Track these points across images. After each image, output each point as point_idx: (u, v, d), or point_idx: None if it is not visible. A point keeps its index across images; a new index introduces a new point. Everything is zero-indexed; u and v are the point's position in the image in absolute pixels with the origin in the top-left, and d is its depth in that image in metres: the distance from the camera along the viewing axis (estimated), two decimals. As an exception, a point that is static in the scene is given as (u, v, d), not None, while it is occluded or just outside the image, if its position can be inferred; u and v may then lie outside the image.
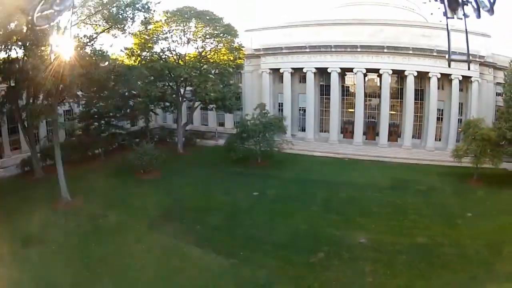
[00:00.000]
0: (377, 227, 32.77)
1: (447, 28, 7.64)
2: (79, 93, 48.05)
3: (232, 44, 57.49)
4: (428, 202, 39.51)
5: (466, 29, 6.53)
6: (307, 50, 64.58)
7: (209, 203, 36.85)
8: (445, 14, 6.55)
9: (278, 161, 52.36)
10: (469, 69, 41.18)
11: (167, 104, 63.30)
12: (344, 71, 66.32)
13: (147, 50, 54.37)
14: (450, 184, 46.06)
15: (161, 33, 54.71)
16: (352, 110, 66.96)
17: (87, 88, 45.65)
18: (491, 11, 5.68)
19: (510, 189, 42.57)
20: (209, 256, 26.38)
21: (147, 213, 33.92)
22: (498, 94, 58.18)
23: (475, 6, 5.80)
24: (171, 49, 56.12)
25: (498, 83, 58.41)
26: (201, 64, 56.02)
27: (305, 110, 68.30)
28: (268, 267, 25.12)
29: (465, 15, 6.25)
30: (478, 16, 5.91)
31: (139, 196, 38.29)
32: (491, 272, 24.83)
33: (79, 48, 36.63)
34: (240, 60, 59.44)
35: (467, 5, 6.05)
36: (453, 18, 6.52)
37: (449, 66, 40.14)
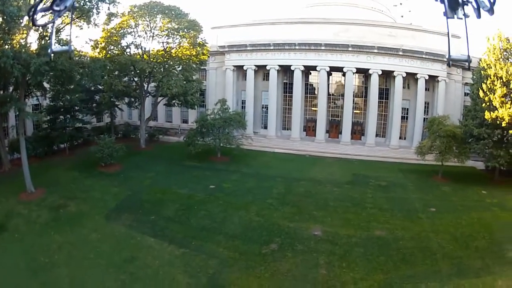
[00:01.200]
0: (333, 220, 32.86)
1: (447, 29, 7.54)
2: (46, 85, 48.10)
3: (196, 39, 57.75)
4: (388, 197, 39.70)
5: (466, 30, 6.48)
6: (271, 47, 65.04)
7: (165, 196, 37.29)
8: (445, 14, 6.35)
9: (238, 156, 53.05)
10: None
11: (131, 99, 63.47)
12: (308, 70, 67.25)
13: (113, 44, 54.18)
14: (414, 180, 46.53)
15: (128, 27, 54.63)
16: (316, 108, 67.56)
17: (54, 81, 45.74)
18: (491, 11, 5.62)
19: (477, 186, 43.50)
20: (161, 246, 26.99)
21: (105, 204, 34.49)
22: (466, 94, 58.80)
23: (475, 6, 5.72)
24: (137, 43, 56.15)
25: (466, 84, 59.59)
26: (165, 59, 56.28)
27: (268, 107, 68.60)
28: (219, 257, 25.68)
29: (465, 15, 6.11)
30: (478, 16, 5.80)
31: (99, 188, 38.74)
32: (458, 267, 25.09)
33: (46, 38, 37.10)
34: (203, 56, 59.73)
35: (467, 5, 5.95)
36: (453, 18, 6.33)
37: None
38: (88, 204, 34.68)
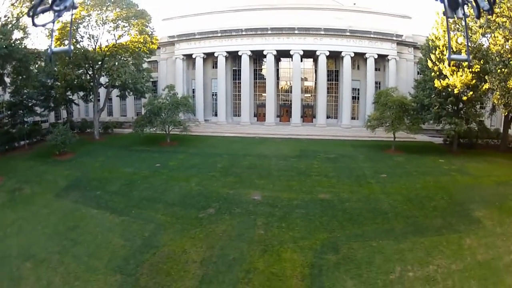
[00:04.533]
0: (276, 186, 33.56)
1: (447, 28, 8.00)
2: (7, 79, 49.56)
3: (145, 27, 58.87)
4: (336, 166, 40.31)
5: (466, 28, 6.03)
6: (219, 34, 67.18)
7: (112, 174, 38.86)
8: (445, 13, 6.14)
9: (187, 140, 54.57)
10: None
11: (86, 92, 64.72)
12: (257, 56, 69.22)
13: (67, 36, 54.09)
14: (365, 153, 47.31)
15: (81, 19, 55.10)
16: (266, 94, 69.36)
17: (13, 72, 47.71)
18: (491, 10, 5.59)
19: (434, 156, 44.78)
20: (103, 215, 28.55)
21: (57, 185, 36.05)
22: (419, 73, 59.13)
23: (475, 6, 5.62)
24: (90, 34, 56.83)
25: (418, 62, 59.38)
26: (116, 49, 57.49)
27: (217, 94, 70.28)
28: (156, 222, 26.90)
29: (465, 15, 5.97)
30: (478, 15, 5.73)
31: (52, 172, 40.29)
32: (414, 225, 25.25)
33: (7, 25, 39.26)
34: (153, 46, 60.78)
35: (467, 4, 5.86)
36: (453, 17, 6.17)
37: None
38: (41, 186, 36.26)
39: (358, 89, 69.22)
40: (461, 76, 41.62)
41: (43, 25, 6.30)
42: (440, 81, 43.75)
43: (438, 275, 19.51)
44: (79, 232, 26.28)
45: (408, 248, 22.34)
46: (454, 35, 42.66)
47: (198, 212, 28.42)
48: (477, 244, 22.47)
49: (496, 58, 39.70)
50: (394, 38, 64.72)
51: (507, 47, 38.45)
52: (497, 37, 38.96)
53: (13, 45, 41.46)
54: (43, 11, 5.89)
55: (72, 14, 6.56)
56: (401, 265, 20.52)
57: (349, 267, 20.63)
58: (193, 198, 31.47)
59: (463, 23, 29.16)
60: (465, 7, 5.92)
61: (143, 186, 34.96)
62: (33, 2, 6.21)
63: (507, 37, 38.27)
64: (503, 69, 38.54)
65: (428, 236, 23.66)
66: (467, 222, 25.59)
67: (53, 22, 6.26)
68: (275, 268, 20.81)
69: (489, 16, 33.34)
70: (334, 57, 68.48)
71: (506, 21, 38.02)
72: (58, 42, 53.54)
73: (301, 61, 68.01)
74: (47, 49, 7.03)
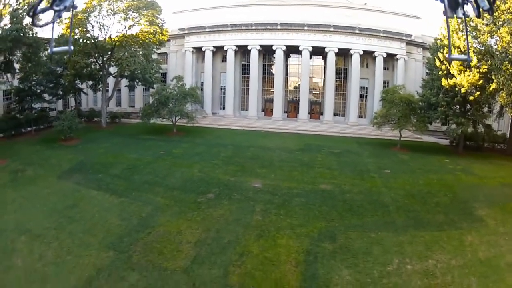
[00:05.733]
0: (277, 176, 33.59)
1: (448, 28, 7.56)
2: (16, 66, 49.92)
3: (155, 18, 58.91)
4: (340, 160, 40.17)
5: (466, 28, 6.00)
6: (229, 28, 67.10)
7: (115, 159, 38.99)
8: (445, 13, 6.03)
9: (194, 131, 54.49)
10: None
11: (95, 82, 64.83)
12: (266, 51, 69.08)
13: (78, 24, 54.70)
14: (370, 149, 46.99)
15: (91, 8, 55.29)
16: (274, 89, 69.42)
17: (23, 58, 48.18)
18: (491, 10, 5.58)
19: (440, 155, 44.45)
20: (103, 196, 28.68)
21: (60, 168, 36.16)
22: (427, 74, 59.24)
23: (475, 6, 5.52)
24: (101, 23, 57.10)
25: (427, 62, 58.56)
26: (125, 39, 57.59)
27: (226, 88, 70.51)
28: (154, 204, 27.00)
29: (465, 15, 5.87)
30: (478, 15, 5.70)
31: (56, 156, 40.46)
32: (415, 219, 25.09)
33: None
34: (162, 37, 60.93)
35: (467, 4, 5.72)
36: (453, 17, 6.06)
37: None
38: (44, 168, 36.40)
39: (366, 88, 68.84)
40: (469, 76, 41.27)
41: (42, 26, 6.34)
42: (447, 80, 43.45)
43: (437, 269, 19.22)
44: (76, 211, 26.43)
45: (407, 241, 22.05)
46: (462, 35, 42.26)
47: (198, 197, 28.52)
48: (479, 242, 22.10)
49: (502, 54, 39.39)
50: (403, 38, 64.45)
51: None
52: (502, 33, 38.72)
53: (24, 30, 41.76)
54: (43, 11, 5.83)
55: (72, 14, 6.54)
56: (400, 258, 20.23)
57: (345, 256, 20.38)
58: (194, 183, 31.57)
59: (471, 23, 28.63)
60: (465, 6, 5.83)
61: (145, 171, 35.09)
62: (33, 2, 6.12)
63: None
64: (509, 67, 38.27)
65: (429, 230, 23.37)
66: (469, 219, 25.28)
67: (53, 22, 6.19)
68: (269, 253, 20.63)
69: (495, 14, 33.08)
70: (343, 54, 68.19)
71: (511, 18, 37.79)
72: (69, 31, 53.84)
73: (310, 58, 67.63)
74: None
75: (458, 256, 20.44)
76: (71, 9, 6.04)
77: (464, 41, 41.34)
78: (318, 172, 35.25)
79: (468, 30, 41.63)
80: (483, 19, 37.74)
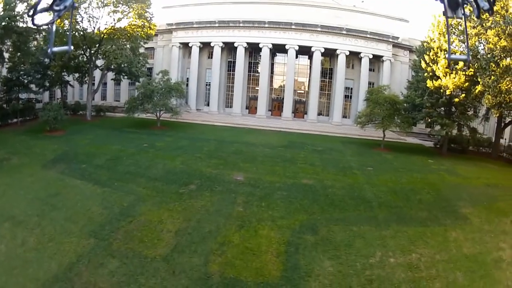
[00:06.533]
0: (259, 170, 33.75)
1: (447, 28, 8.19)
2: (6, 55, 50.11)
3: (144, 12, 58.93)
4: (323, 158, 40.27)
5: (466, 27, 6.51)
6: (216, 24, 67.37)
7: (99, 150, 39.21)
8: (444, 13, 6.14)
9: (178, 126, 55.03)
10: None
11: (81, 74, 64.53)
12: (252, 49, 69.68)
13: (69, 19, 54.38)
14: (353, 148, 47.17)
15: (82, 0, 54.96)
16: (259, 87, 69.91)
17: (12, 47, 48.28)
18: (491, 10, 5.60)
19: (424, 156, 44.80)
20: (85, 186, 28.92)
21: (44, 157, 36.40)
22: (413, 76, 58.13)
23: (475, 6, 5.60)
24: (89, 15, 57.03)
25: (413, 64, 58.34)
26: (113, 31, 57.65)
27: (211, 84, 70.79)
28: (136, 194, 27.23)
29: (465, 15, 5.98)
30: (478, 15, 5.74)
31: (41, 146, 40.66)
32: (398, 215, 25.20)
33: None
34: (150, 31, 61.06)
35: (466, 4, 5.83)
36: (453, 17, 6.17)
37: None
38: (29, 157, 36.72)
39: (351, 88, 69.56)
40: (454, 78, 41.78)
41: (42, 26, 6.45)
42: (432, 82, 43.99)
43: (421, 263, 19.53)
44: (59, 199, 26.75)
45: (390, 235, 22.33)
46: (455, 38, 43.15)
47: (179, 188, 28.72)
48: (464, 238, 22.42)
49: (488, 55, 40.10)
50: (390, 40, 65.24)
51: (499, 45, 38.75)
52: (490, 36, 39.36)
53: (15, 18, 41.84)
54: (43, 11, 5.96)
55: (72, 14, 6.62)
56: (382, 251, 20.52)
57: (327, 248, 20.72)
58: (176, 175, 31.70)
59: (459, 27, 28.83)
60: (465, 6, 5.95)
61: (128, 161, 35.31)
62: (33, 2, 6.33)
63: (500, 35, 38.64)
64: (495, 69, 38.92)
65: (412, 226, 23.64)
66: (453, 217, 25.53)
67: (53, 22, 6.34)
68: (250, 243, 21.03)
69: (483, 16, 33.80)
70: (329, 55, 68.99)
71: (499, 19, 38.44)
72: (58, 21, 53.67)
73: (296, 57, 68.22)
74: (48, 47, 6.97)
75: (442, 251, 20.77)
76: (71, 9, 6.22)
77: (451, 44, 41.81)
78: (300, 167, 35.42)
79: (456, 34, 42.59)
80: (470, 22, 38.19)
